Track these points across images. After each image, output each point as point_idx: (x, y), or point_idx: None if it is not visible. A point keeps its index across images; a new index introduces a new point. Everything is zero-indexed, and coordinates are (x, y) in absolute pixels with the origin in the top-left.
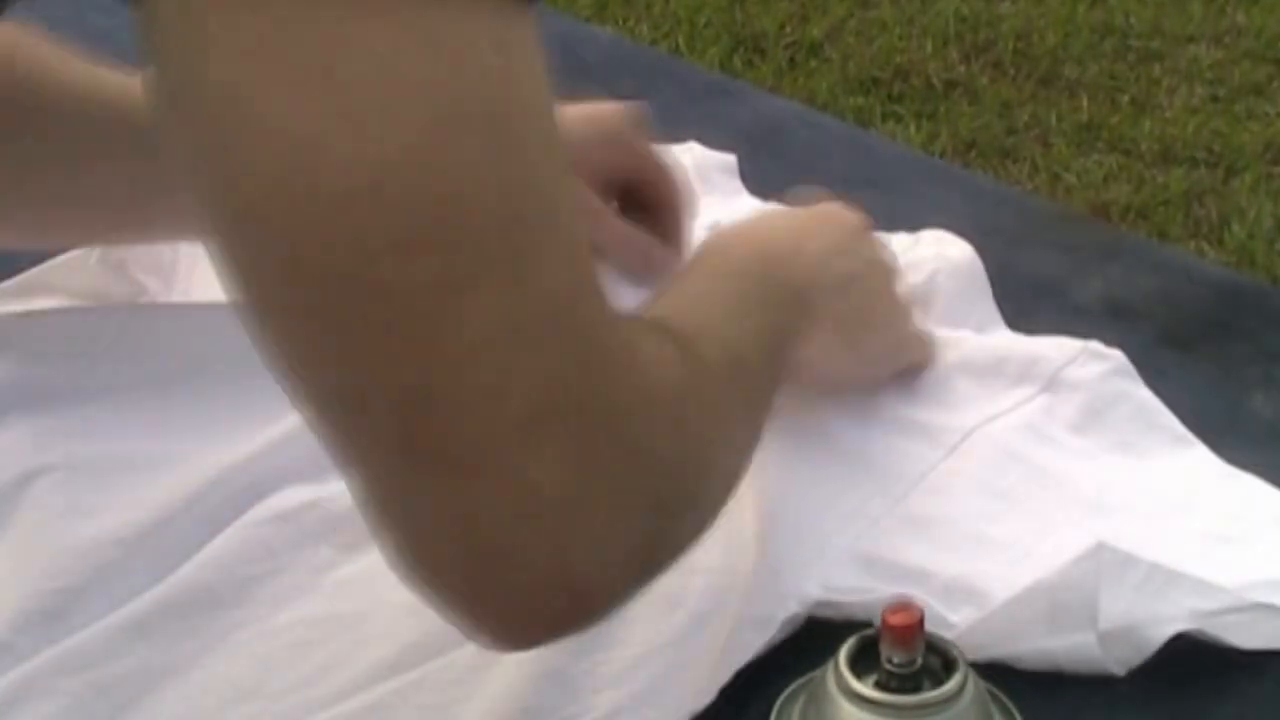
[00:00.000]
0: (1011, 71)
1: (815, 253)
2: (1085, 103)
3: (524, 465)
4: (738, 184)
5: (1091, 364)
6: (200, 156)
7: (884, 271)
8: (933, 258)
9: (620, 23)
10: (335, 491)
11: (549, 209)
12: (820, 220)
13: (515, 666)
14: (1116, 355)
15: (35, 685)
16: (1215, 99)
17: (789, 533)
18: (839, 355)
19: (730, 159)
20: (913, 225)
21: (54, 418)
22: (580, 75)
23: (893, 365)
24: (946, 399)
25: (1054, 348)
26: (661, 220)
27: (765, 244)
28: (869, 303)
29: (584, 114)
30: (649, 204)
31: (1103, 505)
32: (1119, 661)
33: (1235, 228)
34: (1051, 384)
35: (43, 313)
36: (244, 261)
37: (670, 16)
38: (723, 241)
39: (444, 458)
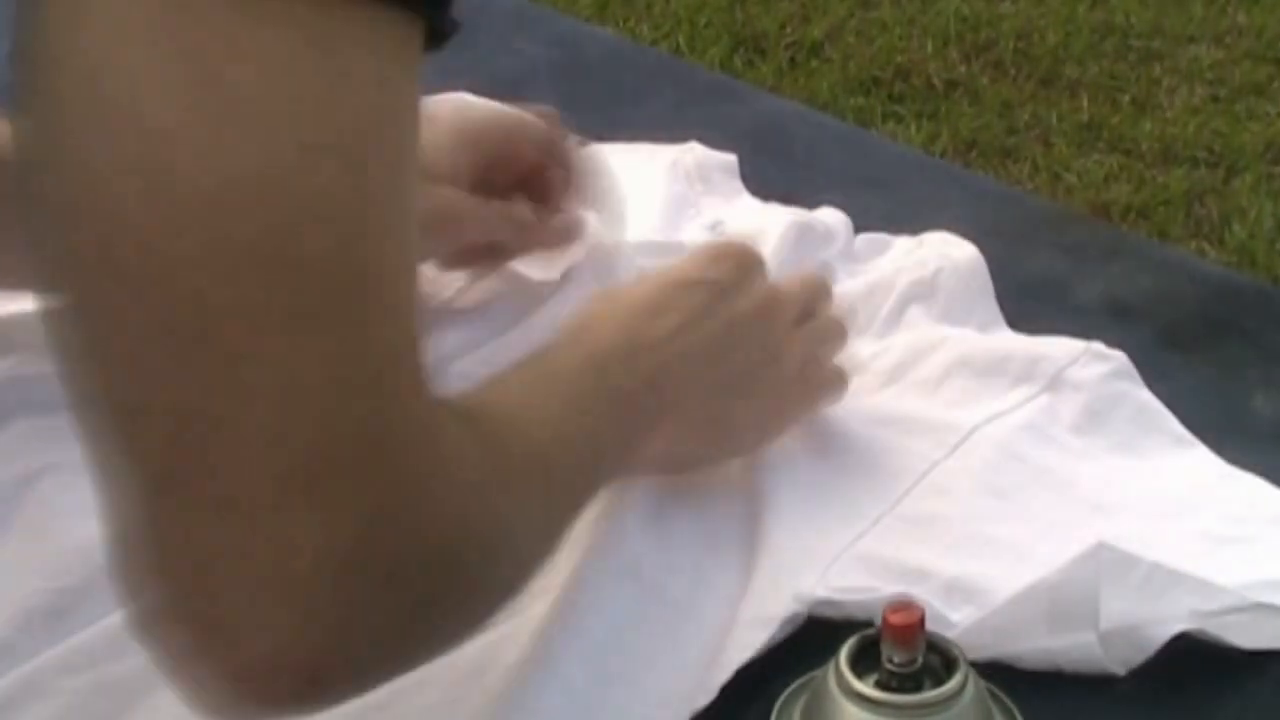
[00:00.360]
0: (1012, 71)
1: (664, 334)
2: (1086, 103)
3: (285, 522)
4: (738, 184)
5: (1093, 365)
6: (53, 130)
7: (764, 319)
8: (936, 257)
9: (621, 23)
10: None
11: (389, 264)
12: (683, 285)
13: (517, 668)
14: (1118, 356)
15: (37, 684)
16: (1216, 99)
17: (789, 531)
18: (706, 431)
19: (731, 159)
20: (914, 225)
21: (57, 417)
22: (581, 75)
23: (777, 427)
24: (948, 398)
25: (1056, 348)
26: (541, 178)
27: (605, 341)
28: (740, 366)
29: (485, 115)
30: (532, 170)
31: (1104, 505)
32: (1119, 661)
33: (1236, 228)
34: (1053, 384)
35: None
36: (67, 244)
37: (671, 16)
38: (570, 333)
39: (203, 493)
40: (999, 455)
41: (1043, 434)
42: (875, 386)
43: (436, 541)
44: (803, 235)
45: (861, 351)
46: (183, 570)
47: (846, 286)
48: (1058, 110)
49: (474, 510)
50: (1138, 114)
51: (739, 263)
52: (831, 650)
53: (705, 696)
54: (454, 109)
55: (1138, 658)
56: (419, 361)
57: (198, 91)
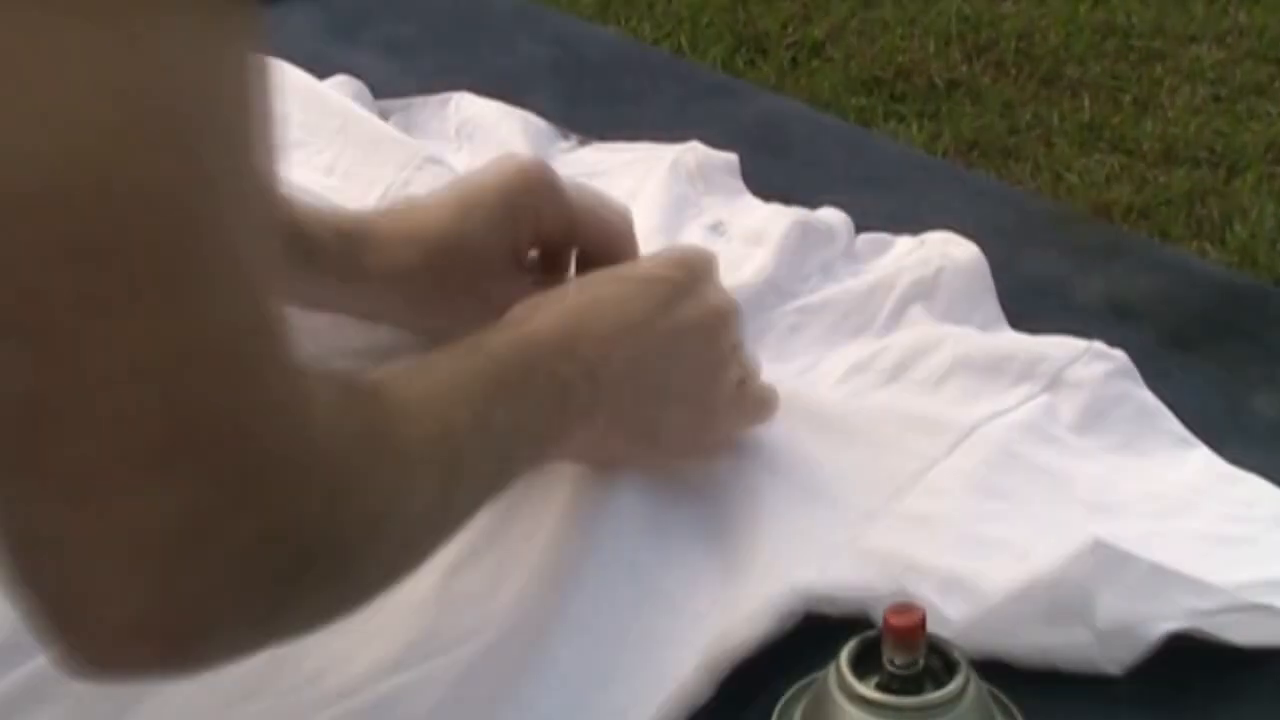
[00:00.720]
0: (1014, 71)
1: (609, 329)
2: (1087, 103)
3: (137, 500)
4: (739, 184)
5: (1094, 364)
6: None
7: (710, 331)
8: (938, 256)
9: (622, 22)
10: None
11: (227, 239)
12: (636, 282)
13: (516, 666)
14: (1119, 355)
15: (41, 686)
16: (1217, 99)
17: (786, 527)
18: (635, 432)
19: (732, 159)
20: (915, 225)
21: None
22: (582, 75)
23: (708, 439)
24: (949, 397)
25: (1057, 347)
26: (600, 262)
27: (545, 329)
28: (680, 372)
29: (482, 189)
30: (585, 250)
31: (1103, 505)
32: (1115, 661)
33: (1237, 228)
34: (1054, 383)
35: None
36: None
37: (672, 16)
38: (510, 319)
39: (53, 478)
40: (998, 455)
41: (1043, 433)
42: (876, 385)
43: (298, 515)
44: (804, 235)
45: (863, 350)
46: (37, 551)
47: (848, 285)
48: (1059, 110)
49: (348, 485)
50: (1139, 114)
51: (694, 270)
52: (831, 651)
53: (704, 693)
54: (502, 180)
55: (1132, 657)
56: (275, 338)
57: (13, 76)
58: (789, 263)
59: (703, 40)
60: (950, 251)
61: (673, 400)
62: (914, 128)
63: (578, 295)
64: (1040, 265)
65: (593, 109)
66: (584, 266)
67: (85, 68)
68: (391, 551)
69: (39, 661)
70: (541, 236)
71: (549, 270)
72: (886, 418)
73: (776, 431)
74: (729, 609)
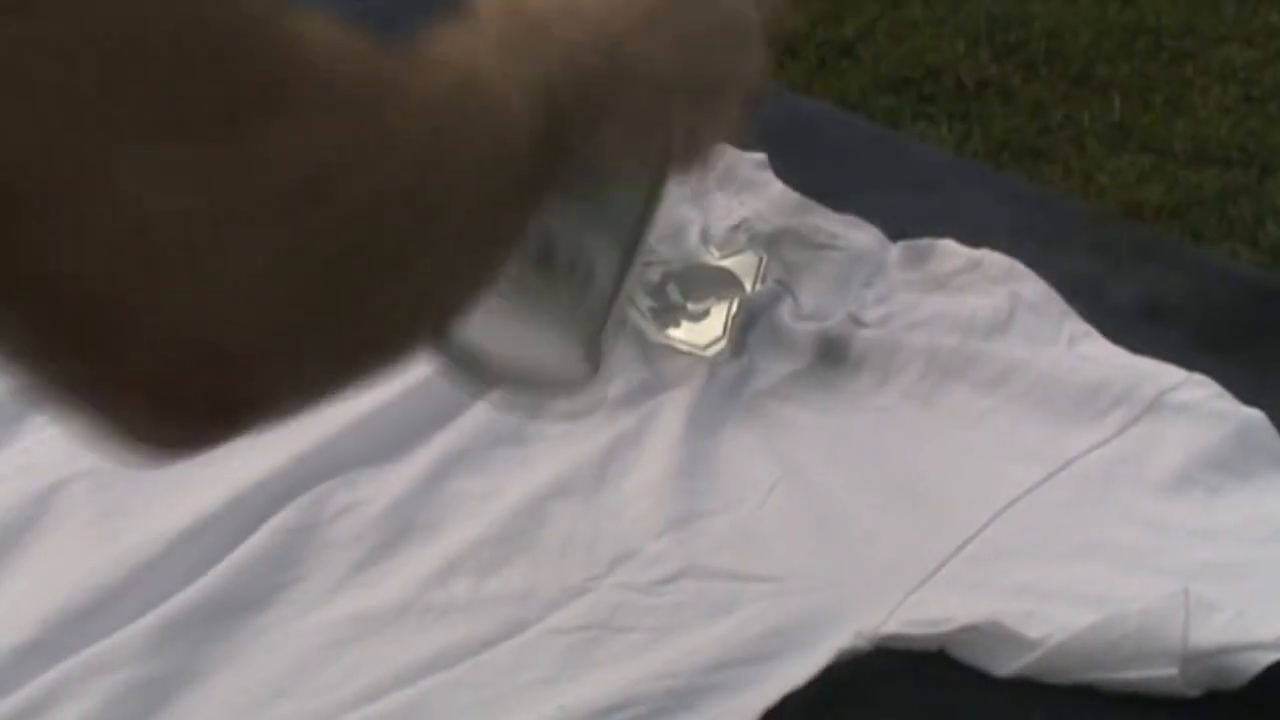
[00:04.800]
0: (1044, 71)
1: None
2: (1118, 103)
3: (136, 190)
4: (769, 175)
5: (1195, 390)
6: None
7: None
8: (1007, 296)
9: None
10: (369, 494)
11: None
12: None
13: (549, 667)
14: (1216, 387)
15: (70, 684)
16: (1249, 99)
17: (865, 557)
18: (679, 107)
19: (761, 157)
20: (946, 227)
21: None
22: None
23: (752, 74)
24: (1043, 417)
25: (1157, 373)
26: None
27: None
28: (688, 19)
29: None
30: None
31: (1202, 531)
32: (1198, 686)
33: (1270, 228)
34: (1152, 409)
35: None
36: None
37: None
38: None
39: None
40: (1093, 490)
41: (1139, 465)
42: (974, 395)
43: (322, 157)
44: (847, 272)
45: (955, 359)
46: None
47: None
48: (1089, 110)
49: (384, 123)
50: (1170, 114)
51: None
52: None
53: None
54: None
55: (1218, 685)
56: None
57: None
58: (829, 305)
59: None
60: (1019, 290)
61: (717, 48)
62: (943, 128)
63: None
64: (1072, 266)
65: None
66: None
67: None
68: (457, 231)
69: (69, 662)
70: None
71: None
72: (981, 443)
73: (862, 454)
74: (785, 630)
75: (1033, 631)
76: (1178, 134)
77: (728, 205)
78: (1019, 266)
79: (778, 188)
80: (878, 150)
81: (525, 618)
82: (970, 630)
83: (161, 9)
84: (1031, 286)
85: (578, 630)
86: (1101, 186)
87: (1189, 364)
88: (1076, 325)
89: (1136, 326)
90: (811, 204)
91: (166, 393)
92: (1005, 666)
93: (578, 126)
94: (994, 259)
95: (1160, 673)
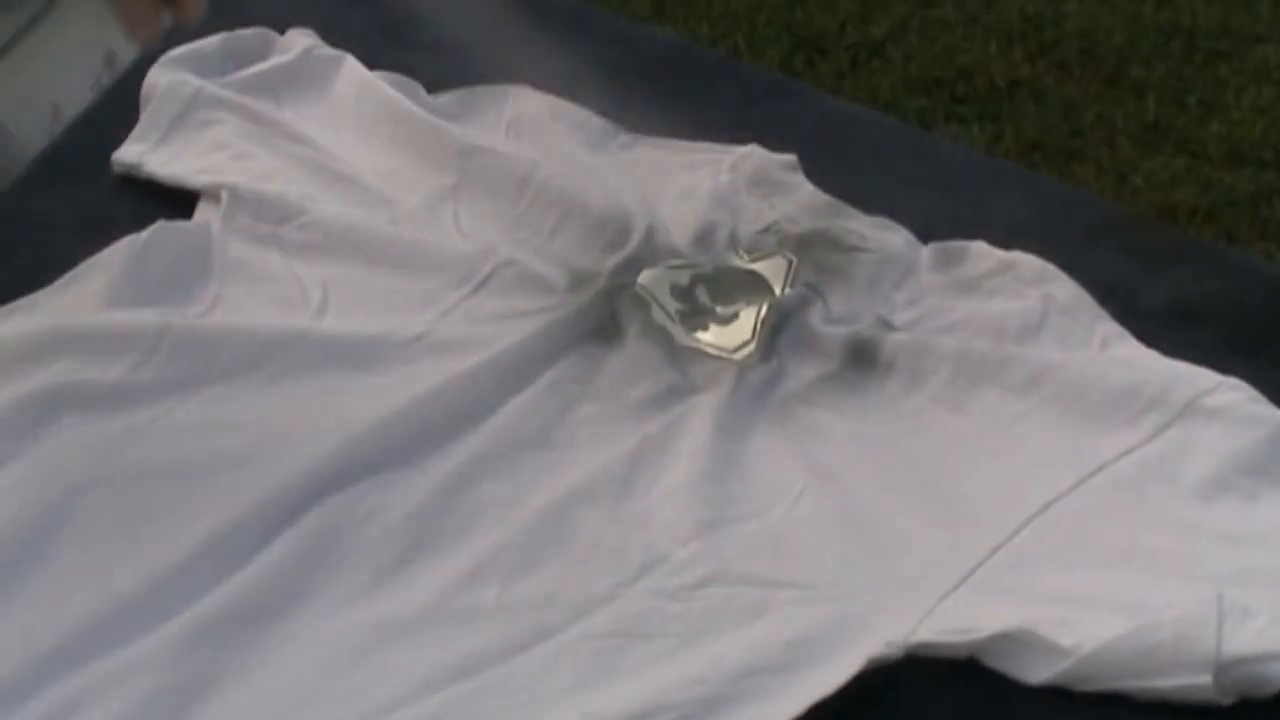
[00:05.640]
0: (1077, 72)
1: None
2: (1151, 103)
3: None
4: (800, 178)
5: (1229, 394)
6: None
7: None
8: (1039, 299)
9: (679, 22)
10: (394, 500)
11: None
12: None
13: (576, 674)
14: (1251, 390)
15: (93, 691)
16: None
17: (895, 563)
18: None
19: (792, 159)
20: (978, 228)
21: (107, 424)
22: (639, 75)
23: None
24: (1076, 420)
25: (1191, 376)
26: None
27: None
28: None
29: None
30: None
31: (1236, 537)
32: (1230, 693)
33: None
34: (1186, 413)
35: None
36: None
37: (730, 16)
38: None
39: None
40: (1127, 495)
41: (1174, 470)
42: (1005, 398)
43: None
44: (877, 274)
45: (988, 360)
46: None
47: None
48: (1123, 111)
49: None
50: (1204, 115)
51: None
52: None
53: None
54: None
55: (1251, 692)
56: None
57: None
58: (862, 306)
59: (760, 40)
60: (1052, 293)
61: None
62: (975, 129)
63: None
64: (1105, 268)
65: (649, 110)
66: None
67: None
68: None
69: (92, 668)
70: None
71: None
72: (1012, 446)
73: (894, 461)
74: (815, 638)
75: (1065, 639)
76: (1212, 135)
77: (757, 208)
78: (1051, 269)
79: (808, 190)
80: (909, 151)
81: (552, 624)
82: (1002, 638)
83: None
84: (1064, 289)
85: (605, 637)
86: (1135, 188)
87: (1223, 367)
88: (1110, 328)
89: (1169, 329)
90: (842, 206)
91: None
92: (1037, 675)
93: None
94: (1026, 261)
95: (1194, 680)
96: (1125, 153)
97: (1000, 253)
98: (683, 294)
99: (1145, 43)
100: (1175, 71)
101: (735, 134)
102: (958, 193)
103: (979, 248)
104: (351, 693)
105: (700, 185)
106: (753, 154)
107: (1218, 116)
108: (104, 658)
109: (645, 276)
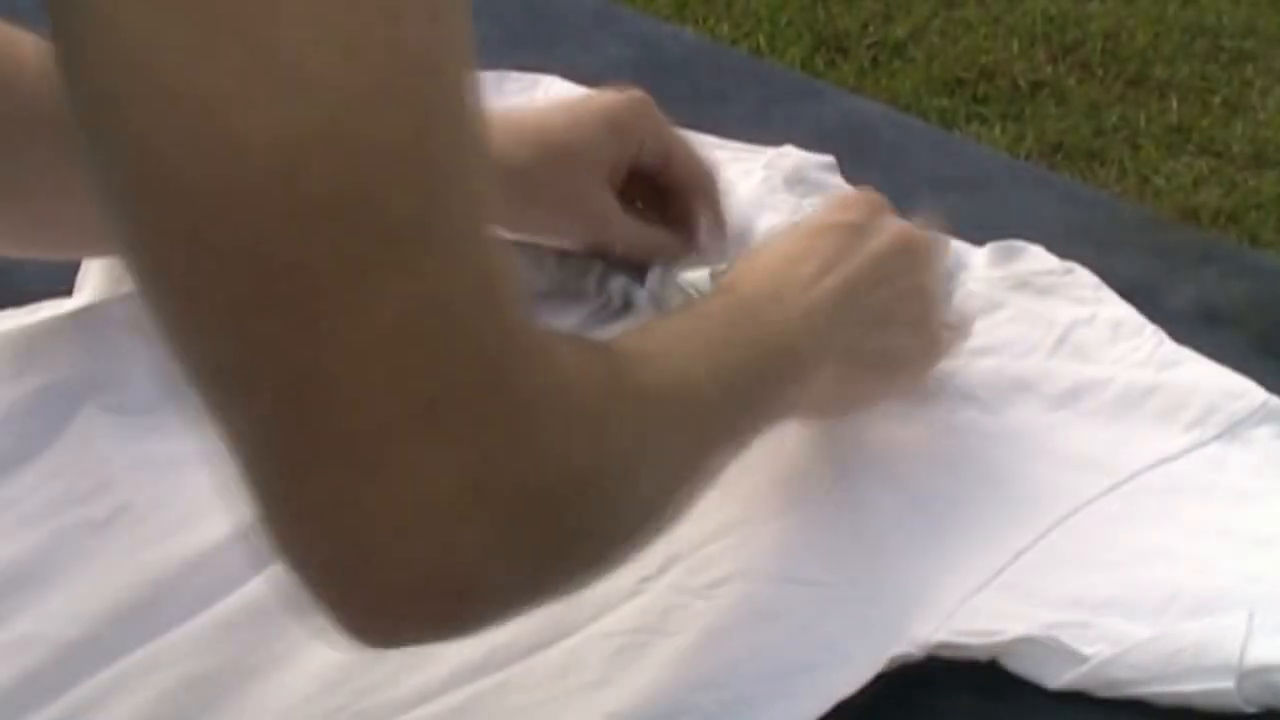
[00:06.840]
0: (1100, 72)
1: (809, 276)
2: (1175, 104)
3: (414, 460)
4: (838, 178)
5: (1270, 420)
6: (101, 117)
7: (904, 253)
8: (1084, 309)
9: (700, 22)
10: None
11: (464, 197)
12: (818, 232)
13: (599, 670)
14: None
15: (125, 681)
16: None
17: (918, 563)
18: (872, 365)
19: (829, 159)
20: (1000, 229)
21: (129, 413)
22: (660, 75)
23: (935, 354)
24: (1113, 435)
25: (1234, 396)
26: (681, 203)
27: (752, 288)
28: (889, 298)
29: (591, 107)
30: (670, 188)
31: (1265, 539)
32: (1254, 702)
33: None
34: (1226, 434)
35: (107, 301)
36: (141, 229)
37: (751, 16)
38: (717, 287)
39: (329, 445)
40: (1158, 504)
41: (1207, 483)
42: (1041, 410)
43: (565, 460)
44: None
45: (1030, 369)
46: (311, 521)
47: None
48: (1146, 112)
49: (604, 429)
50: (1229, 116)
51: (868, 205)
52: None
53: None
54: (612, 101)
55: (1275, 701)
56: (511, 289)
57: (245, 57)
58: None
59: (782, 40)
60: (1111, 315)
61: (896, 325)
62: (997, 130)
63: (767, 254)
64: (1128, 271)
65: (673, 109)
66: (662, 202)
67: (319, 30)
68: (648, 498)
69: (122, 659)
70: (638, 162)
71: (627, 200)
72: (1046, 449)
73: (917, 457)
74: (834, 639)
75: (1087, 644)
76: (1236, 136)
77: (795, 206)
78: (1104, 287)
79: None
80: (930, 152)
81: (575, 619)
82: (1024, 641)
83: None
84: (1115, 305)
85: (629, 633)
86: (1158, 189)
87: (1246, 369)
88: (1152, 340)
89: (1194, 331)
90: None
91: (384, 619)
92: (1058, 678)
93: (774, 398)
94: (1084, 271)
95: (1216, 685)
96: (1148, 154)
97: (1057, 259)
98: None
99: (1169, 43)
100: (1199, 72)
101: (758, 134)
102: (979, 194)
103: (1037, 250)
104: (377, 685)
105: (734, 184)
106: (789, 153)
107: (1242, 118)
108: (135, 648)
109: (687, 273)
